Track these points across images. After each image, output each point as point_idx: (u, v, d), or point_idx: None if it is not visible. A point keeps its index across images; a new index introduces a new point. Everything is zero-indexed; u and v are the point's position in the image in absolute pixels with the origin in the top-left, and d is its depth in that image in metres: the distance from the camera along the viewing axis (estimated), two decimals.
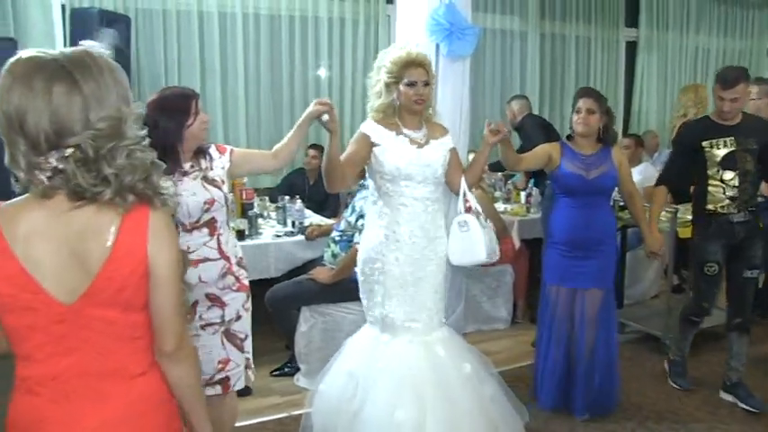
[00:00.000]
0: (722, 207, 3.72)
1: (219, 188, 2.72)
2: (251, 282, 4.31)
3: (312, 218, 4.89)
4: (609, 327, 3.64)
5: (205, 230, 2.69)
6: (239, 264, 2.83)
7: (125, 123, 1.41)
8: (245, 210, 4.69)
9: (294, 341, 4.09)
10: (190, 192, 2.63)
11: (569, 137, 3.63)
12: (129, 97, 1.46)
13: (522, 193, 5.75)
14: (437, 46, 3.73)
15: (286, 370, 4.20)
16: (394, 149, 2.91)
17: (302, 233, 4.47)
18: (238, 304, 2.79)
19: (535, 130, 5.45)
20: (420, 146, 2.95)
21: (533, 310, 5.22)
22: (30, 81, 1.34)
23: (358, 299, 4.03)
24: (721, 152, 3.69)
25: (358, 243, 3.86)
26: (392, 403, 2.86)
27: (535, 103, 7.12)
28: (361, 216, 3.90)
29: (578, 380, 3.61)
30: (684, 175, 3.90)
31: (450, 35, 3.69)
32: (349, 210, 4.10)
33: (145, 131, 1.46)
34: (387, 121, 2.96)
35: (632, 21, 7.73)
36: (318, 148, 5.80)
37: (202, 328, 2.70)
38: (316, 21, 6.11)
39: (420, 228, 2.95)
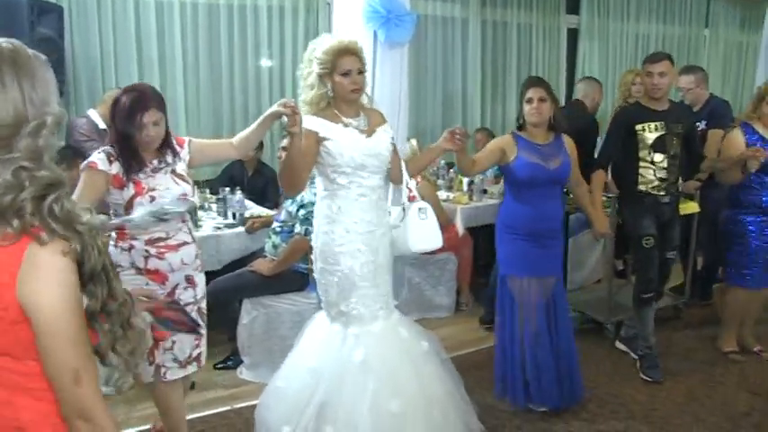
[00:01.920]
0: (653, 188, 3.95)
1: (187, 182, 2.88)
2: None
3: (253, 209, 4.84)
4: (564, 313, 3.66)
5: (178, 218, 2.86)
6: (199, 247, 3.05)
7: (22, 131, 1.16)
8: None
9: (236, 334, 4.06)
10: (164, 186, 2.79)
11: (520, 127, 3.59)
12: (48, 98, 1.20)
13: (465, 181, 5.78)
14: (374, 33, 3.72)
15: (229, 363, 4.16)
16: (346, 141, 2.86)
17: (243, 225, 4.42)
18: (203, 283, 3.02)
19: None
20: (368, 134, 2.93)
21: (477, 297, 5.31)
22: None
23: (299, 290, 4.05)
24: (652, 135, 3.89)
25: (299, 234, 3.86)
26: (386, 394, 2.85)
27: (476, 90, 7.18)
28: (302, 206, 3.88)
29: (549, 369, 3.58)
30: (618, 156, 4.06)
31: (388, 22, 3.69)
32: (290, 200, 4.07)
33: (60, 142, 1.23)
34: (325, 113, 2.89)
35: (573, 8, 7.80)
36: None
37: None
38: (255, 9, 6.01)
39: (375, 216, 2.96)
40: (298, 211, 3.89)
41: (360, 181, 2.89)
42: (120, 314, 1.23)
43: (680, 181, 4.14)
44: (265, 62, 6.20)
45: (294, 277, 4.03)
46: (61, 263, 1.13)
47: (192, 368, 2.98)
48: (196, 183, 5.07)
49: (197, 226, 4.39)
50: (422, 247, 3.09)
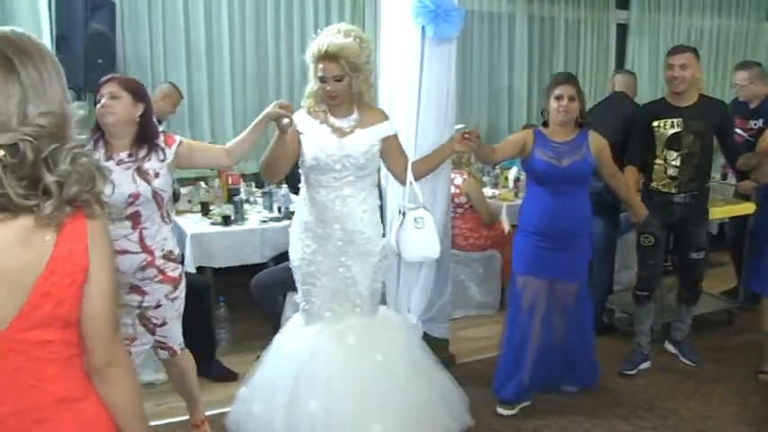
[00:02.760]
0: (663, 185, 3.89)
1: (149, 182, 2.71)
2: (238, 268, 4.34)
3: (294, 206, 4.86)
4: (583, 318, 3.63)
5: (127, 223, 2.72)
6: (167, 257, 2.84)
7: (69, 123, 1.24)
8: (231, 195, 4.67)
9: (280, 327, 4.07)
10: (117, 182, 2.55)
11: (544, 123, 3.56)
12: (69, 97, 1.29)
13: (511, 178, 5.73)
14: (422, 28, 3.68)
15: None
16: (314, 139, 2.91)
17: (288, 218, 4.44)
18: (160, 294, 2.85)
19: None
20: (342, 134, 2.93)
21: None
22: None
23: None
24: (668, 132, 3.83)
25: None
26: (303, 392, 2.87)
27: (523, 86, 7.11)
28: None
29: (552, 362, 3.63)
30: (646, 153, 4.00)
31: (436, 17, 3.64)
32: None
33: (86, 136, 1.33)
34: (315, 109, 2.97)
35: (623, 2, 7.66)
36: None
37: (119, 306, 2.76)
38: (302, 3, 6.05)
39: (336, 219, 2.94)
40: None
41: (320, 179, 2.92)
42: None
43: (706, 180, 4.01)
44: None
45: None
46: (106, 231, 1.32)
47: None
48: (243, 176, 5.19)
49: (242, 219, 4.44)
50: (416, 257, 3.13)
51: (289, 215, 4.48)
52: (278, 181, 3.20)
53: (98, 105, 2.73)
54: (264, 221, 4.47)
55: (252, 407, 3.03)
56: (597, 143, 3.49)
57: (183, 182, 5.25)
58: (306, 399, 2.85)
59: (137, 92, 2.76)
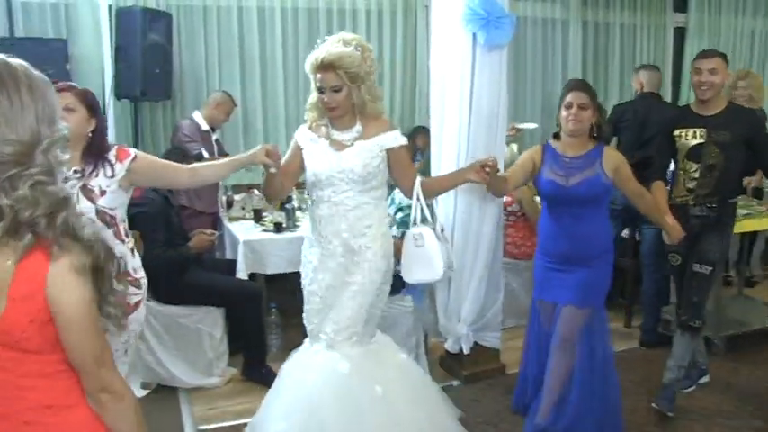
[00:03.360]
0: (681, 198, 3.59)
1: (93, 201, 2.55)
2: (289, 274, 4.37)
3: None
4: (592, 353, 3.22)
5: None
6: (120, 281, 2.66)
7: (37, 148, 1.25)
8: (283, 203, 4.71)
9: None
10: None
11: (556, 135, 3.27)
12: (55, 117, 1.31)
13: None
14: (473, 35, 3.67)
15: None
16: (313, 154, 2.88)
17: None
18: None
19: (624, 132, 4.82)
20: (341, 148, 2.84)
21: None
22: None
23: (394, 292, 4.01)
24: (690, 142, 3.52)
25: (395, 236, 3.85)
26: (281, 412, 2.82)
27: None
28: (400, 209, 3.90)
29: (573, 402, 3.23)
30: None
31: (487, 24, 3.62)
32: (388, 201, 4.07)
33: (68, 156, 1.33)
34: (318, 122, 2.92)
35: (681, 5, 7.47)
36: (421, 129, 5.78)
37: None
38: (354, 13, 6.10)
39: (337, 235, 2.85)
40: (395, 213, 3.89)
41: (321, 195, 2.86)
42: (116, 300, 1.39)
43: (730, 195, 3.60)
44: None
45: (393, 281, 4.01)
46: (78, 269, 1.26)
47: None
48: (296, 184, 5.23)
49: (294, 226, 4.48)
50: (416, 278, 3.02)
51: None
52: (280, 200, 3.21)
53: None
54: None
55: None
56: (612, 159, 3.15)
57: (236, 189, 5.33)
58: (276, 420, 2.82)
59: (92, 106, 2.65)
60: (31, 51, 4.77)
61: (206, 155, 4.78)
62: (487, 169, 2.96)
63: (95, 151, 2.63)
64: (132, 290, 2.67)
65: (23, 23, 5.13)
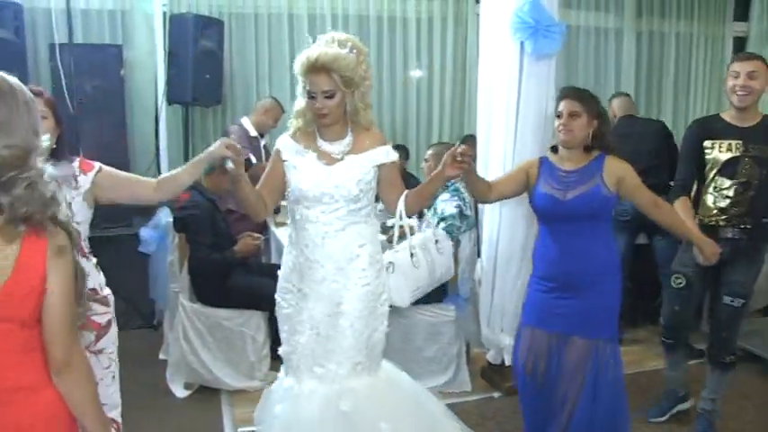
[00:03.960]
0: (710, 218, 3.26)
1: None
2: None
3: (393, 219, 4.86)
4: (601, 391, 2.89)
5: None
6: (90, 297, 2.45)
7: (31, 154, 1.46)
8: None
9: None
10: None
11: (554, 148, 3.03)
12: (39, 130, 1.52)
13: None
14: (521, 44, 3.64)
15: None
16: (299, 167, 2.56)
17: (384, 233, 4.45)
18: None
19: (621, 145, 4.94)
20: (330, 162, 2.55)
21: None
22: None
23: (437, 301, 4.03)
24: (723, 156, 3.22)
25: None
26: None
27: None
28: (443, 219, 3.88)
29: None
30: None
31: (535, 33, 3.58)
32: (431, 211, 4.06)
33: (48, 166, 1.51)
34: (304, 130, 2.60)
35: (742, 14, 7.24)
36: (401, 148, 5.80)
37: None
38: (404, 21, 6.11)
39: (327, 257, 2.54)
40: (438, 223, 3.87)
41: (308, 213, 2.55)
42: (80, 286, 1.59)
43: (764, 214, 3.26)
44: (414, 73, 6.27)
45: (430, 289, 4.00)
46: (68, 250, 1.51)
47: None
48: None
49: None
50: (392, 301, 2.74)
51: (386, 230, 4.49)
52: (265, 217, 2.87)
53: None
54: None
55: None
56: (615, 169, 2.87)
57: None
58: None
59: (58, 114, 2.51)
60: (87, 57, 4.93)
61: (254, 160, 4.83)
62: (459, 158, 2.55)
63: (58, 161, 2.44)
64: (100, 308, 2.53)
65: (82, 30, 5.26)
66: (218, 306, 3.97)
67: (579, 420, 2.89)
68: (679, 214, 3.15)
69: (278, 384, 2.72)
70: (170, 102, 5.40)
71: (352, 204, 2.55)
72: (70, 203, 2.36)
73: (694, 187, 3.41)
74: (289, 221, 2.67)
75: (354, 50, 2.49)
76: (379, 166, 2.61)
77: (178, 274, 4.14)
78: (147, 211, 5.14)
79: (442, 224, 3.84)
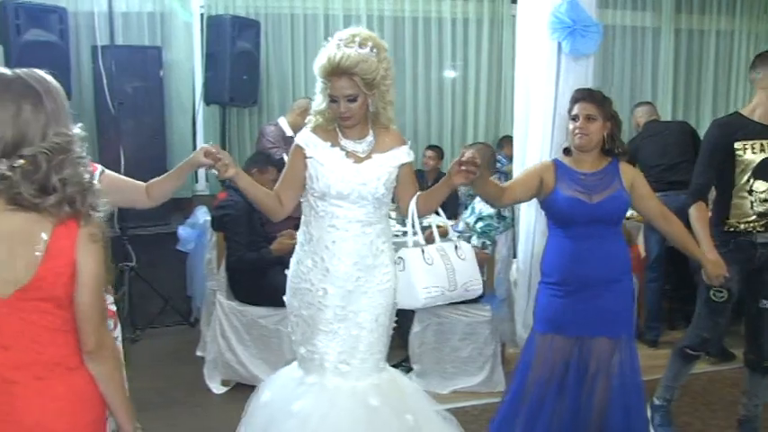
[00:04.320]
0: (746, 224, 3.14)
1: None
2: None
3: (431, 218, 4.87)
4: (627, 388, 2.88)
5: None
6: None
7: (75, 142, 1.59)
8: None
9: (408, 341, 4.11)
10: None
11: (566, 151, 2.96)
12: (71, 120, 1.64)
13: None
14: (559, 44, 3.62)
15: (399, 369, 4.21)
16: (326, 164, 2.50)
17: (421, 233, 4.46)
18: None
19: (647, 145, 4.95)
20: (358, 160, 2.52)
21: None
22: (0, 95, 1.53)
23: (473, 301, 4.03)
24: (757, 157, 3.09)
25: (476, 246, 3.84)
26: None
27: (667, 105, 6.78)
28: (480, 218, 3.89)
29: None
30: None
31: (573, 33, 3.57)
32: (468, 211, 4.07)
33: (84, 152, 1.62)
34: (325, 128, 2.55)
35: None
36: (436, 149, 5.82)
37: None
38: (439, 21, 6.13)
39: (353, 254, 2.52)
40: (476, 223, 3.89)
41: (334, 210, 2.51)
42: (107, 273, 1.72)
43: None
44: (449, 74, 6.28)
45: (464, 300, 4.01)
46: (99, 238, 1.61)
47: None
48: None
49: None
50: (401, 303, 2.64)
51: (421, 229, 4.50)
52: (283, 216, 2.68)
53: None
54: (397, 236, 4.49)
55: None
56: (628, 173, 2.88)
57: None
58: None
59: None
60: (128, 58, 5.02)
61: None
62: (463, 167, 2.45)
63: None
64: (108, 297, 2.42)
65: (122, 32, 5.36)
66: (254, 304, 4.01)
67: (614, 425, 2.86)
68: (693, 222, 3.11)
69: (294, 382, 2.63)
70: (207, 102, 5.48)
71: (376, 203, 2.54)
72: None
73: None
74: (305, 220, 2.61)
75: (375, 49, 2.43)
76: (400, 166, 2.60)
77: (215, 272, 4.20)
78: (184, 210, 5.25)
79: (480, 224, 3.85)
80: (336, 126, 2.54)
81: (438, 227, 4.52)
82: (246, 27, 5.37)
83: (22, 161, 1.50)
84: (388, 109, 2.55)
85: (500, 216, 3.92)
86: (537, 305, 3.02)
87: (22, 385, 1.55)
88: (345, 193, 2.49)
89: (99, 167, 2.50)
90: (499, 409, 3.09)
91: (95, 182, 1.64)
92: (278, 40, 5.81)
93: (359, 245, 2.52)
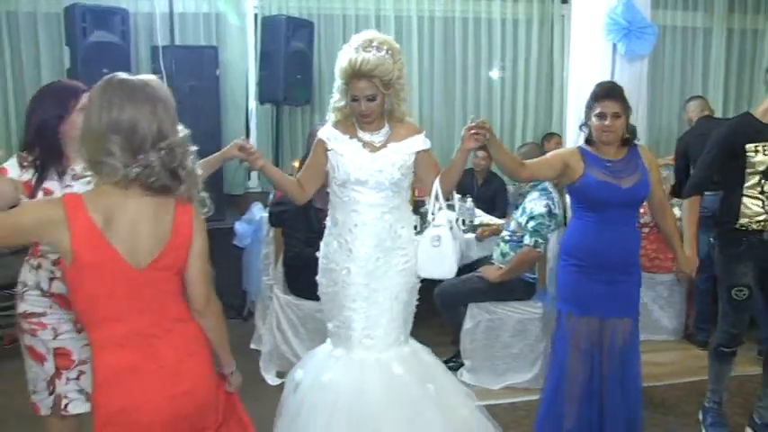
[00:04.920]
0: (757, 223, 3.22)
1: None
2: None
3: (482, 217, 4.94)
4: (637, 359, 3.13)
5: None
6: None
7: (187, 137, 1.90)
8: (417, 207, 4.82)
9: (459, 337, 4.17)
10: None
11: (589, 141, 3.08)
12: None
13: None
14: (614, 45, 3.66)
15: (451, 365, 4.27)
16: (345, 154, 2.77)
17: (472, 232, 4.53)
18: None
19: (698, 142, 4.75)
20: (374, 149, 2.77)
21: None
22: (134, 99, 1.80)
23: (525, 298, 4.09)
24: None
25: (528, 245, 3.90)
26: (328, 423, 2.69)
27: (718, 105, 6.71)
28: (532, 217, 3.93)
29: (607, 417, 3.09)
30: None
31: (629, 34, 3.63)
32: (519, 211, 4.12)
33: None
34: (344, 123, 2.82)
35: None
36: (483, 148, 5.85)
37: None
38: (489, 22, 6.16)
39: (374, 236, 2.77)
40: (527, 222, 3.93)
41: (355, 196, 2.77)
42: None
43: None
44: (494, 74, 6.32)
45: (521, 285, 4.07)
46: (202, 216, 1.97)
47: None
48: None
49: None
50: (428, 275, 2.90)
51: (473, 228, 4.57)
52: (305, 201, 3.03)
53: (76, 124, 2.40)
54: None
55: None
56: (648, 158, 3.07)
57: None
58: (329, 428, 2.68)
59: None
60: (186, 58, 5.15)
61: None
62: (473, 130, 2.69)
63: None
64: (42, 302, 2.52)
65: (180, 32, 5.49)
66: (310, 298, 4.07)
67: (627, 397, 3.07)
68: (684, 216, 3.36)
69: (324, 355, 2.91)
70: (262, 101, 5.59)
71: (394, 188, 2.77)
72: None
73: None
74: (331, 206, 2.88)
75: (390, 52, 2.68)
76: (417, 153, 2.82)
77: (272, 267, 4.31)
78: (238, 206, 5.38)
79: (532, 223, 3.89)
80: (354, 120, 2.80)
81: (488, 225, 4.62)
82: (300, 27, 5.47)
83: (163, 152, 1.80)
84: (401, 105, 2.79)
85: (551, 214, 3.96)
86: (560, 284, 3.20)
87: (158, 338, 1.90)
88: (363, 179, 2.74)
89: None
90: (545, 390, 3.26)
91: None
92: (330, 41, 5.89)
93: (378, 228, 2.77)
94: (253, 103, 5.71)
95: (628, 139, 3.05)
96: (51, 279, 2.47)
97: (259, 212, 4.88)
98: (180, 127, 1.90)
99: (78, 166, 2.41)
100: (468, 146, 2.76)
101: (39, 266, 2.47)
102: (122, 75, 1.85)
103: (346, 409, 2.67)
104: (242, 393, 3.65)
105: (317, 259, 4.05)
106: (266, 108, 5.74)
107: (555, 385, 3.16)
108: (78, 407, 2.51)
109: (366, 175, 2.74)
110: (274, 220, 4.25)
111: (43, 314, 2.47)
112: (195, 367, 1.97)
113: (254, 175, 5.92)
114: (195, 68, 5.21)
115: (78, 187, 2.36)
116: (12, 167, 2.44)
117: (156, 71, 5.06)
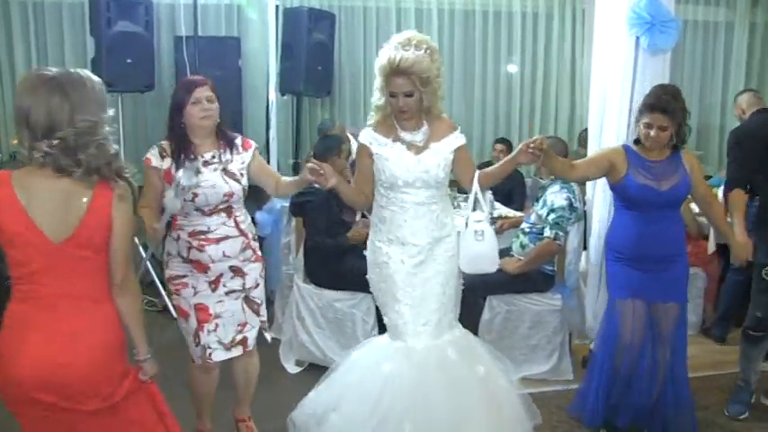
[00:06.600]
0: None
1: (239, 181, 2.93)
2: None
3: (501, 210, 4.96)
4: (684, 345, 3.25)
5: (223, 214, 2.92)
6: (254, 239, 3.09)
7: (100, 124, 2.02)
8: None
9: (478, 329, 4.19)
10: (209, 183, 2.84)
11: (636, 141, 3.20)
12: (105, 104, 2.08)
13: (719, 195, 5.45)
14: (636, 39, 3.66)
15: None
16: (391, 158, 2.86)
17: (491, 224, 4.53)
18: (256, 273, 3.07)
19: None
20: (418, 151, 2.86)
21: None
22: (35, 91, 1.97)
23: (543, 290, 4.10)
24: None
25: (548, 237, 3.91)
26: (398, 414, 2.78)
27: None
28: (552, 210, 3.93)
29: (657, 401, 3.22)
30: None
31: (652, 28, 3.60)
32: (540, 203, 4.13)
33: (111, 129, 2.06)
34: (385, 124, 2.90)
35: None
36: (505, 142, 5.87)
37: (227, 294, 2.98)
38: (509, 15, 6.17)
39: (423, 228, 2.89)
40: (548, 215, 3.94)
41: (402, 197, 2.87)
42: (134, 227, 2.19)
43: None
44: (513, 68, 6.32)
45: (540, 278, 4.08)
46: (128, 197, 2.08)
47: (236, 351, 3.04)
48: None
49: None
50: (471, 269, 2.99)
51: (493, 221, 4.58)
52: (366, 206, 3.13)
53: (199, 108, 2.82)
54: (467, 225, 4.59)
55: (329, 414, 2.95)
56: (690, 160, 3.17)
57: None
58: (398, 420, 2.77)
59: (216, 91, 2.92)
60: (210, 48, 5.21)
61: None
62: (531, 149, 2.84)
63: (225, 138, 2.97)
64: (257, 245, 3.16)
65: (203, 23, 5.54)
66: (330, 288, 4.14)
67: (674, 381, 3.20)
68: (731, 207, 3.44)
69: (384, 345, 2.99)
70: (282, 92, 5.63)
71: (438, 185, 2.89)
72: (243, 173, 2.96)
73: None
74: (377, 205, 2.97)
75: (428, 51, 2.75)
76: (455, 150, 2.93)
77: (293, 256, 4.34)
78: (257, 196, 5.42)
79: (552, 215, 3.90)
80: (394, 120, 2.87)
81: (507, 217, 4.64)
82: (322, 19, 5.51)
83: (56, 141, 1.95)
84: (438, 102, 2.89)
85: (572, 207, 3.96)
86: (608, 275, 3.32)
87: (63, 307, 2.05)
88: (411, 181, 2.84)
89: (254, 145, 3.06)
90: (588, 380, 3.36)
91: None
92: (351, 33, 5.95)
93: (426, 220, 2.89)
94: (273, 94, 5.75)
95: (675, 146, 3.13)
96: (189, 248, 2.90)
97: (280, 202, 4.92)
98: (106, 114, 2.05)
99: (208, 154, 2.89)
100: (521, 160, 2.94)
101: (178, 238, 2.92)
102: (42, 68, 2.05)
103: (400, 394, 2.78)
104: (262, 380, 3.72)
105: (337, 249, 4.12)
106: (287, 99, 5.78)
107: (600, 365, 3.26)
108: (219, 355, 3.00)
109: (413, 177, 2.84)
110: (296, 209, 4.28)
111: (184, 276, 2.94)
112: (86, 347, 2.07)
113: (272, 164, 5.95)
114: (218, 59, 5.27)
115: (208, 174, 2.84)
116: (154, 157, 2.85)
117: (178, 61, 5.13)
